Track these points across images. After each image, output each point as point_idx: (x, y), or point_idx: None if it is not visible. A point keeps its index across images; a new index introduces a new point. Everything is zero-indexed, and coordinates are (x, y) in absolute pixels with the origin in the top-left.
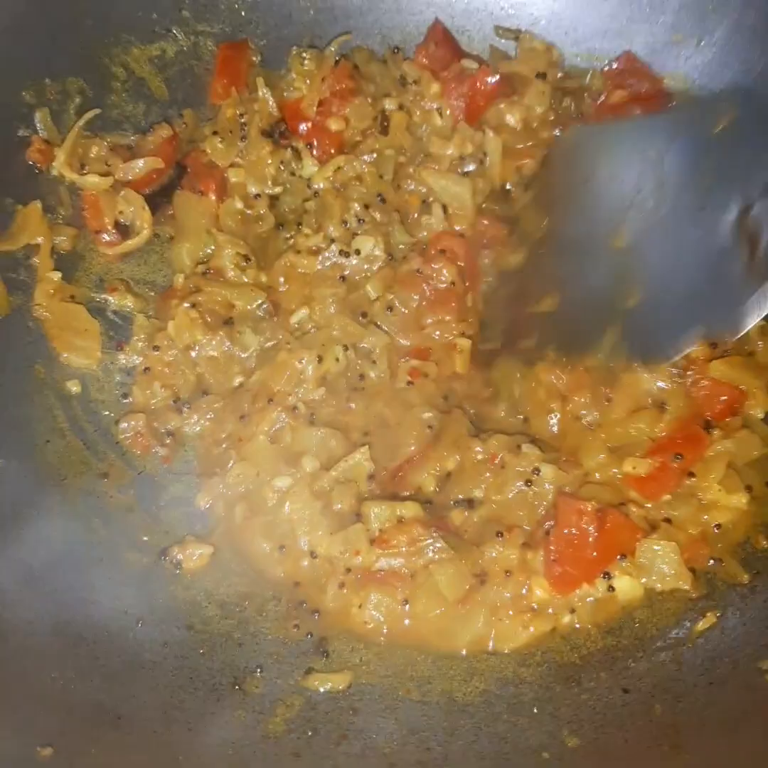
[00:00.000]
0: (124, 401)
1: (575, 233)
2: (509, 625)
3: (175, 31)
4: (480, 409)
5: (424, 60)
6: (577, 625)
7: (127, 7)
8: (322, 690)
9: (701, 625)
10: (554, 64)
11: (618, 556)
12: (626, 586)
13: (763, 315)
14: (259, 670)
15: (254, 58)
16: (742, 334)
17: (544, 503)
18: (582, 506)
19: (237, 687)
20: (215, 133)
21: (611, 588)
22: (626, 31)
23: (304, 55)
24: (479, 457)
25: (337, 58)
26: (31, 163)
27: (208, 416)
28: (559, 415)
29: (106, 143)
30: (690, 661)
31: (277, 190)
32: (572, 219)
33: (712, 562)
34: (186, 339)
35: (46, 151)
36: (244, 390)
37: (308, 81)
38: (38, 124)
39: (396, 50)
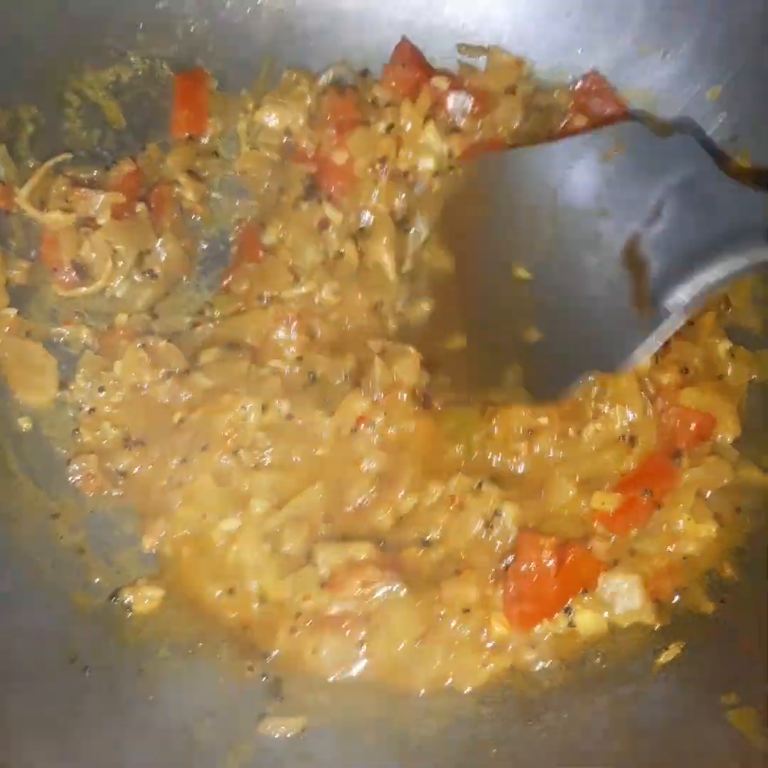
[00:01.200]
0: (77, 440)
1: (479, 267)
2: (467, 663)
3: (129, 55)
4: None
5: (393, 82)
6: (539, 663)
7: (80, 31)
8: (275, 735)
9: (664, 658)
10: (524, 78)
11: (580, 591)
12: (588, 621)
13: (651, 351)
14: (210, 715)
15: (211, 84)
16: (629, 370)
17: (505, 542)
18: (542, 541)
19: (186, 734)
20: (190, 172)
21: (572, 623)
22: (591, 45)
23: (296, 77)
24: (436, 497)
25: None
26: None
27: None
28: (523, 454)
29: (67, 178)
30: (652, 695)
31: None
32: (475, 252)
33: (677, 594)
34: (132, 380)
35: (6, 192)
36: (182, 429)
37: (301, 113)
38: None
39: (365, 73)
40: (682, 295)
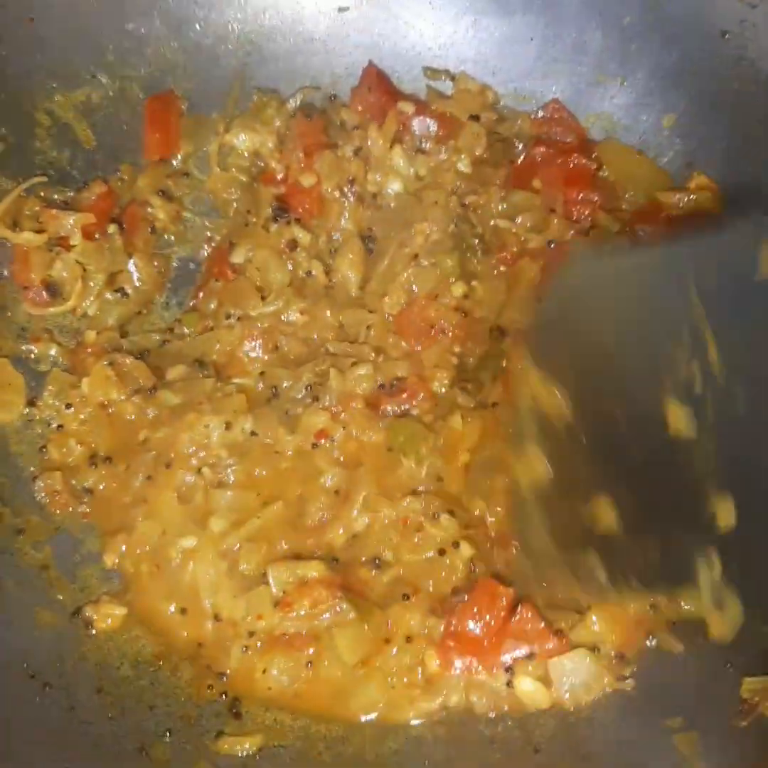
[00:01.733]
0: (44, 456)
1: (610, 416)
2: (397, 695)
3: (99, 77)
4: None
5: (359, 106)
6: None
7: (50, 52)
8: (232, 754)
9: (613, 686)
10: (488, 106)
11: (524, 652)
12: (530, 689)
13: None
14: (167, 733)
15: (182, 106)
16: None
17: (457, 575)
18: (500, 591)
19: (144, 753)
20: (162, 192)
21: (510, 684)
22: (551, 72)
23: (265, 100)
24: (389, 518)
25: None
26: None
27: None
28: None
29: (39, 199)
30: (600, 719)
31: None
32: (601, 392)
33: (650, 640)
34: (99, 397)
35: None
36: (147, 447)
37: (270, 136)
38: None
39: (333, 97)
40: None
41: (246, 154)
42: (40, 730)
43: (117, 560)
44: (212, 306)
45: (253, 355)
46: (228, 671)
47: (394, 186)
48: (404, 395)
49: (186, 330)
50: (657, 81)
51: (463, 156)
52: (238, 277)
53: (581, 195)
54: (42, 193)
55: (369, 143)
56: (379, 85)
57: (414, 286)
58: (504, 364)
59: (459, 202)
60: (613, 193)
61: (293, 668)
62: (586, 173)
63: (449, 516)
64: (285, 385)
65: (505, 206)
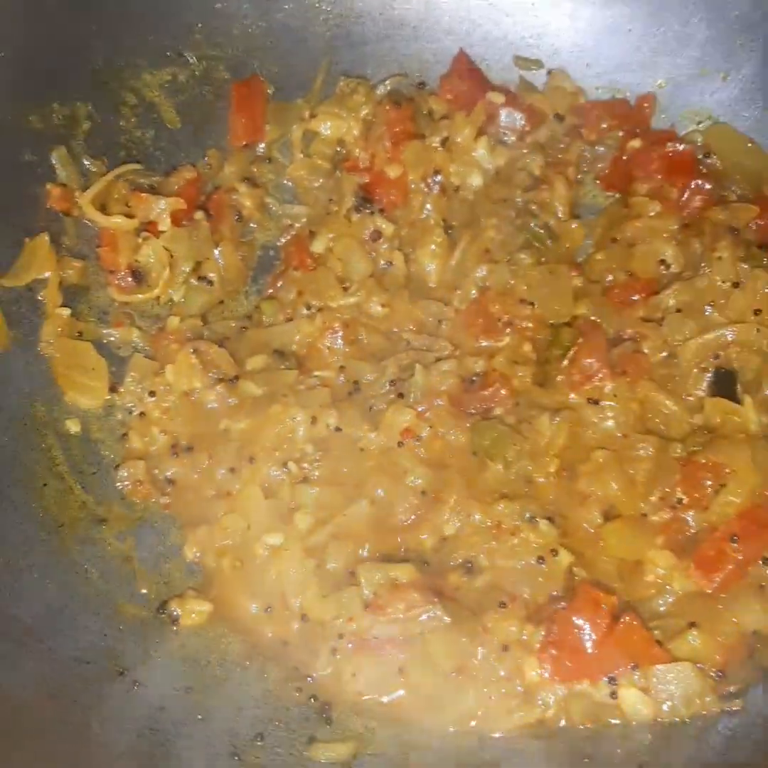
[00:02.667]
0: (125, 444)
1: None
2: (494, 705)
3: (187, 56)
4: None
5: (449, 95)
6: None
7: (138, 30)
8: (324, 760)
9: (722, 705)
10: (578, 111)
11: (630, 665)
12: (633, 700)
13: None
14: (259, 738)
15: (268, 91)
16: None
17: (555, 583)
18: (602, 598)
19: (236, 757)
20: (246, 179)
21: (614, 695)
22: (650, 64)
23: (353, 86)
24: (482, 522)
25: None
26: (54, 210)
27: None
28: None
29: (127, 182)
30: (709, 738)
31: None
32: None
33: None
34: (184, 385)
35: (67, 196)
36: (229, 439)
37: (356, 124)
38: (55, 164)
39: (421, 85)
40: None
41: (330, 142)
42: (133, 729)
43: (199, 554)
44: (291, 295)
45: (334, 347)
46: (316, 674)
47: (476, 180)
48: (486, 392)
49: (264, 318)
50: (763, 77)
51: (536, 157)
52: (319, 266)
53: (689, 183)
54: (129, 177)
55: (454, 132)
56: (469, 74)
57: (487, 281)
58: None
59: (526, 200)
60: (719, 184)
61: (384, 674)
62: (688, 160)
63: (548, 522)
64: (367, 378)
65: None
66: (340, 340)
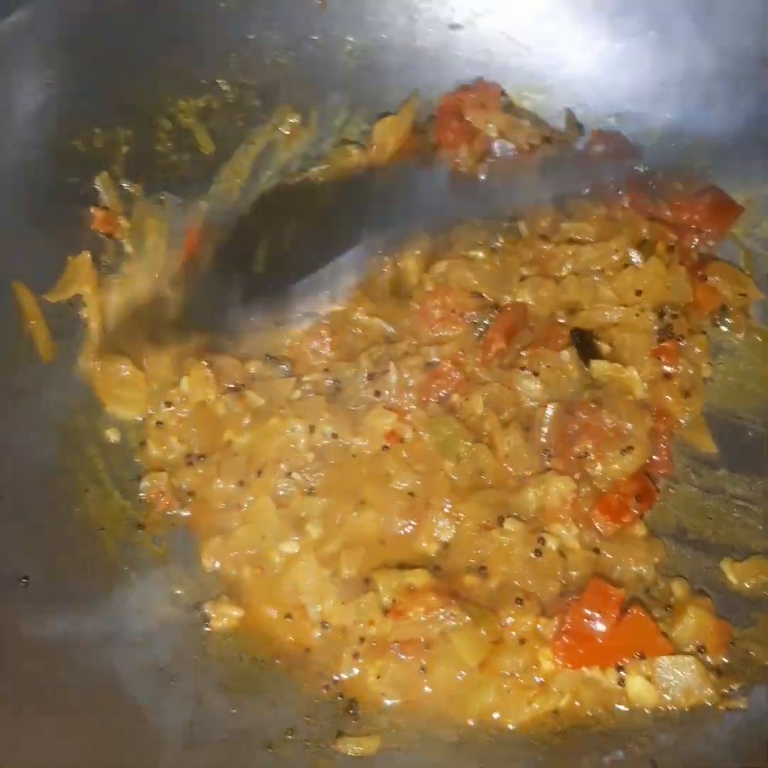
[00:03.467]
0: (144, 452)
1: None
2: (513, 697)
3: (220, 84)
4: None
5: (448, 134)
6: (577, 703)
7: (175, 59)
8: (351, 754)
9: (728, 703)
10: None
11: (637, 654)
12: (639, 687)
13: None
14: (290, 732)
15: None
16: None
17: (566, 572)
18: (611, 592)
19: (270, 749)
20: None
21: (622, 682)
22: (659, 96)
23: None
24: (468, 525)
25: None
26: (98, 232)
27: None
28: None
29: None
30: (718, 736)
31: None
32: None
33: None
34: (199, 396)
35: (110, 219)
36: (233, 450)
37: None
38: (99, 188)
39: (431, 118)
40: None
41: None
42: (172, 723)
43: (218, 564)
44: None
45: (320, 351)
46: (339, 677)
47: None
48: (442, 380)
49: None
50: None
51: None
52: None
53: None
54: None
55: (458, 161)
56: (457, 118)
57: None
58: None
59: None
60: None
61: (407, 675)
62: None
63: (513, 519)
64: (346, 375)
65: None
66: (326, 346)
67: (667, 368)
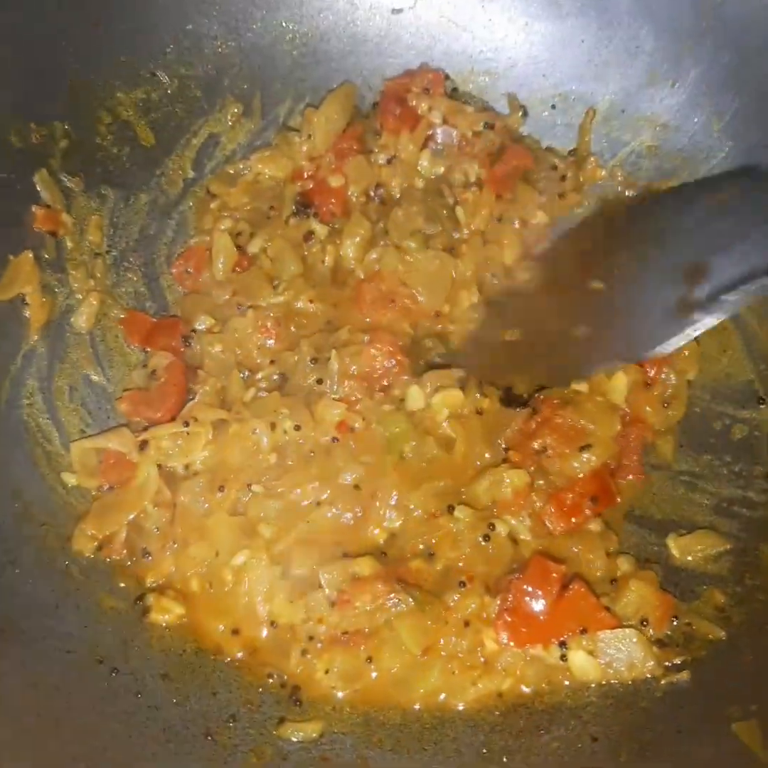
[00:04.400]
0: None
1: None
2: (458, 678)
3: (159, 75)
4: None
5: (390, 121)
6: (525, 689)
7: (112, 50)
8: (293, 739)
9: (669, 679)
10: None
11: (579, 629)
12: (582, 662)
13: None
14: (232, 719)
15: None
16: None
17: (507, 554)
18: (552, 568)
19: (209, 737)
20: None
21: (564, 658)
22: (602, 74)
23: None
24: (417, 514)
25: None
26: (42, 232)
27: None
28: None
29: None
30: (658, 710)
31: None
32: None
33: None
34: None
35: (52, 217)
36: (195, 475)
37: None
38: (39, 186)
39: (375, 105)
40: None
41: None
42: (111, 714)
43: (159, 582)
44: (226, 296)
45: (265, 346)
46: (287, 673)
47: (419, 184)
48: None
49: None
50: (708, 83)
51: (473, 164)
52: (251, 267)
53: None
54: None
55: (399, 147)
56: (399, 102)
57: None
58: None
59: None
60: None
61: (354, 665)
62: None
63: (463, 506)
64: (290, 363)
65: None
66: (272, 340)
67: (651, 373)
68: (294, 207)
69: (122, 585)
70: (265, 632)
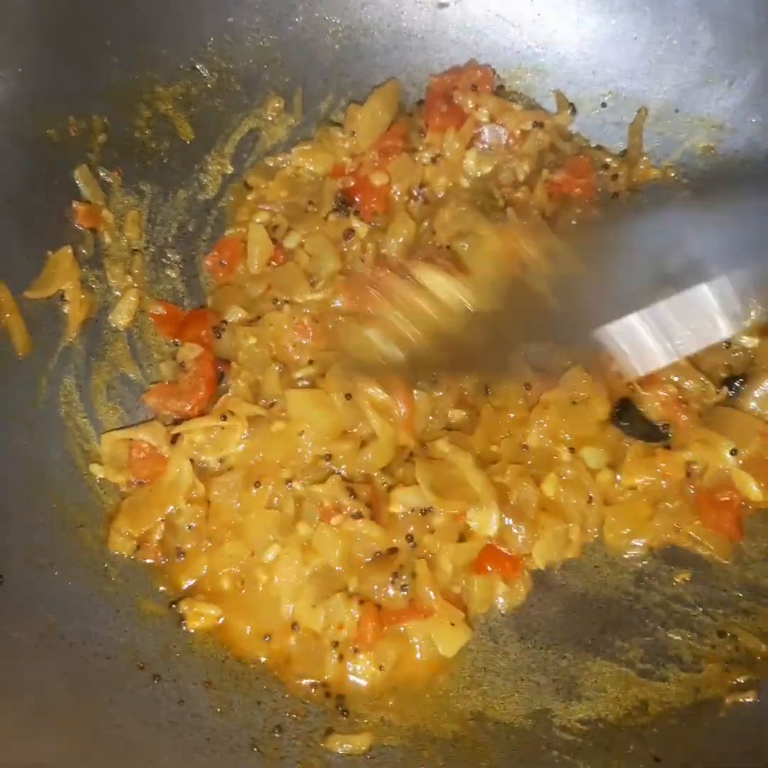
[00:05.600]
0: None
1: None
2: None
3: (199, 69)
4: None
5: (436, 119)
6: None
7: (152, 44)
8: (341, 751)
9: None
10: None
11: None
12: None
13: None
14: (277, 730)
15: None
16: None
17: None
18: None
19: (255, 749)
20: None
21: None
22: (655, 72)
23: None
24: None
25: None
26: (83, 229)
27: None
28: None
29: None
30: (722, 729)
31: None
32: None
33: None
34: None
35: (92, 213)
36: (229, 470)
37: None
38: (79, 182)
39: (420, 103)
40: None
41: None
42: (154, 722)
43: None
44: (260, 290)
45: (301, 343)
46: (329, 685)
47: (464, 184)
48: None
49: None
50: (767, 83)
51: (523, 163)
52: (287, 261)
53: None
54: None
55: (444, 146)
56: (446, 100)
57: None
58: None
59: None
60: None
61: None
62: None
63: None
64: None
65: None
66: (309, 336)
67: None
68: (335, 203)
69: (161, 589)
70: (292, 641)
